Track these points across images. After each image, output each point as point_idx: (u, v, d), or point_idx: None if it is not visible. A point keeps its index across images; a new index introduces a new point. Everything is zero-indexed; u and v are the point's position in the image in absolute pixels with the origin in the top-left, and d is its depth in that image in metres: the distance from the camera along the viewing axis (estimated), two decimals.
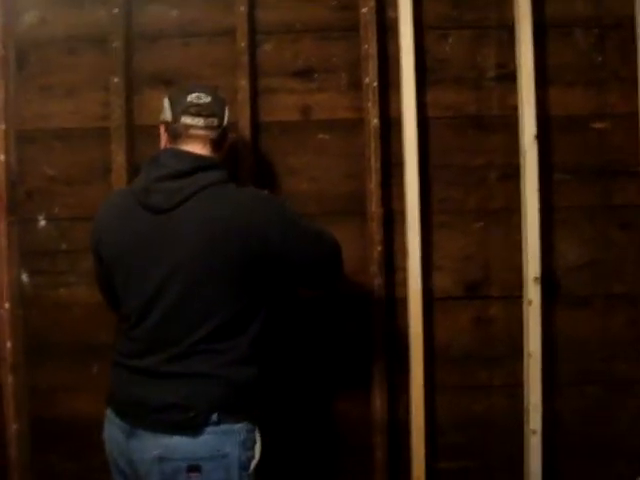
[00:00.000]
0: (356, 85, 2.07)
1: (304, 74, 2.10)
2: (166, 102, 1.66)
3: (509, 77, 2.07)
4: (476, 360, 2.12)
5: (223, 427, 1.53)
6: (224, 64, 2.09)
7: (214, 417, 1.52)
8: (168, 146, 1.64)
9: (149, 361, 1.56)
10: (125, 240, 1.59)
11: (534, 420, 2.05)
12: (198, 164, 1.57)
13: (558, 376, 2.12)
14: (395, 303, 2.08)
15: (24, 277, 2.18)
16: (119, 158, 2.07)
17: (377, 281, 2.04)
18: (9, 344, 2.12)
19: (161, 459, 1.51)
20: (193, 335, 1.53)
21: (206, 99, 1.63)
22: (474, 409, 2.12)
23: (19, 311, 2.14)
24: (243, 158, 2.05)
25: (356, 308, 2.09)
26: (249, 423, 1.58)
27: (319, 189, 2.10)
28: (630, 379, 2.11)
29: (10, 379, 2.11)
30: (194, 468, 1.50)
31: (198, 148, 1.61)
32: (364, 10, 2.04)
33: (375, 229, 2.04)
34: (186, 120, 1.61)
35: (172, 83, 2.10)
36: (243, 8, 2.04)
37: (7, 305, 2.12)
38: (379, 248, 2.04)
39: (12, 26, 2.15)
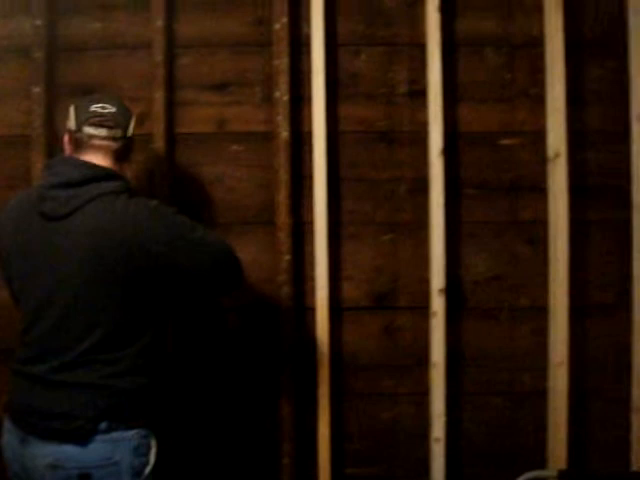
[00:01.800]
0: (269, 99, 2.23)
1: (220, 87, 2.27)
2: (71, 110, 1.76)
3: (420, 93, 2.24)
4: (384, 369, 2.28)
5: (113, 435, 1.64)
6: (143, 76, 2.26)
7: (102, 426, 1.63)
8: (70, 154, 1.75)
9: (40, 368, 1.67)
10: (19, 245, 1.72)
11: (438, 428, 2.22)
12: (92, 174, 1.69)
13: (463, 386, 2.27)
14: (304, 312, 2.24)
15: None
16: (39, 165, 2.24)
17: (285, 290, 2.21)
18: None
19: (53, 467, 1.62)
20: (80, 345, 1.64)
21: (110, 109, 1.74)
22: (381, 417, 2.28)
23: None
24: (159, 169, 2.22)
25: (265, 316, 2.25)
26: (142, 430, 1.69)
27: (233, 199, 2.26)
28: (533, 391, 2.27)
29: None
30: (85, 476, 1.61)
31: (99, 158, 1.72)
32: (277, 26, 2.20)
33: (284, 239, 2.20)
34: (89, 130, 1.72)
35: (93, 93, 2.27)
36: (160, 22, 2.22)
37: None
38: (287, 257, 2.20)
39: None
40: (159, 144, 2.21)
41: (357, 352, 2.27)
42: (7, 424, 1.74)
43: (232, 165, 2.25)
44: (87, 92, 2.24)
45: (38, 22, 2.26)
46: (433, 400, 2.21)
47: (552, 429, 2.22)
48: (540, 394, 2.25)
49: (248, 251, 2.20)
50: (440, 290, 2.19)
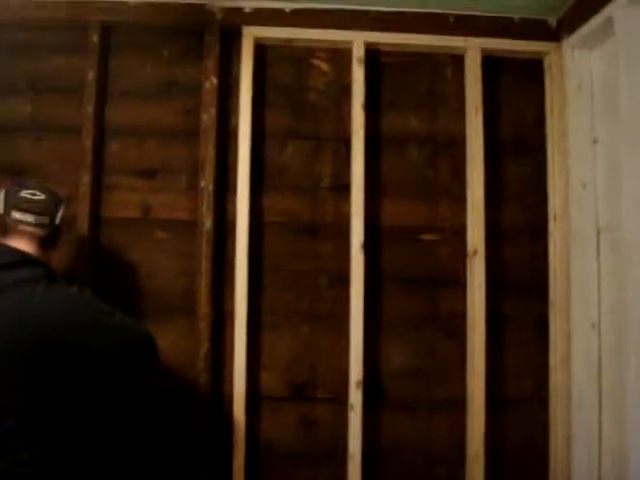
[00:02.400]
0: (195, 187, 2.31)
1: (147, 174, 2.34)
2: (1, 195, 1.83)
3: (343, 187, 2.33)
4: (301, 459, 2.31)
5: None
6: (72, 160, 2.32)
7: None
8: None
9: None
10: None
11: None
12: (14, 259, 1.73)
13: (381, 478, 2.32)
14: (222, 400, 2.28)
15: None
16: None
17: (204, 377, 2.24)
18: None
19: None
20: None
21: (40, 196, 1.81)
22: None
23: None
24: (83, 251, 2.28)
25: (184, 402, 2.28)
26: None
27: (155, 286, 2.31)
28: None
29: None
30: None
31: (23, 244, 1.78)
32: (205, 116, 2.30)
33: (204, 327, 2.25)
34: (16, 215, 1.78)
35: (23, 175, 2.32)
36: (91, 108, 2.30)
37: None
38: (206, 345, 2.25)
39: None
40: (83, 227, 2.27)
41: (274, 441, 2.31)
42: None
43: (156, 251, 2.31)
44: (16, 173, 2.30)
45: None
46: None
47: None
48: None
49: (168, 337, 2.25)
50: (358, 382, 2.25)
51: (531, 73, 2.43)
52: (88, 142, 2.29)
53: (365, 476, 2.25)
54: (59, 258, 2.11)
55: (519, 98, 2.42)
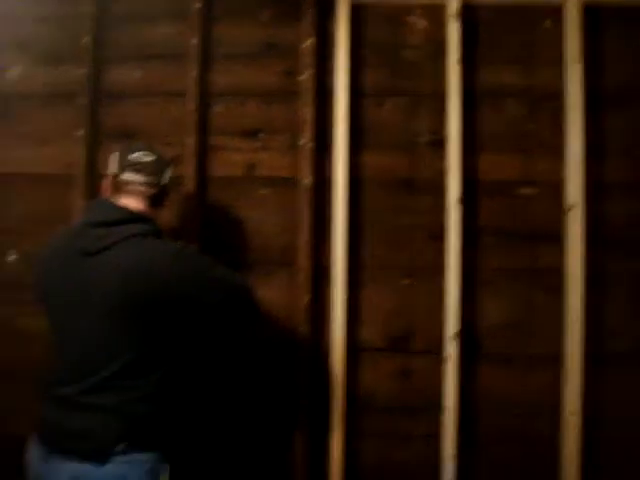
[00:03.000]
0: (295, 146, 2.44)
1: (249, 134, 2.49)
2: (114, 157, 2.02)
3: (440, 142, 2.41)
4: (398, 410, 2.43)
5: (129, 457, 1.84)
6: (179, 122, 2.49)
7: (119, 448, 1.83)
8: (109, 197, 1.99)
9: (67, 390, 1.89)
10: (56, 276, 1.95)
11: (448, 472, 2.36)
12: (124, 216, 1.92)
13: (476, 431, 2.41)
14: (322, 351, 2.42)
15: None
16: (79, 203, 2.50)
17: (303, 329, 2.39)
18: None
19: None
20: (103, 371, 1.85)
21: (148, 158, 1.99)
22: (394, 457, 2.43)
23: None
24: (189, 209, 2.45)
25: (284, 354, 2.43)
26: (156, 453, 1.89)
27: (258, 240, 2.46)
28: (547, 437, 2.38)
29: None
30: None
31: (133, 202, 1.97)
32: (304, 77, 2.41)
33: (303, 281, 2.39)
34: (127, 176, 1.97)
35: (133, 137, 2.52)
36: (194, 73, 2.45)
37: None
38: (306, 298, 2.38)
39: None
40: (190, 186, 2.44)
41: (372, 393, 2.42)
42: (35, 442, 1.95)
43: (258, 208, 2.46)
44: (126, 136, 2.50)
45: (83, 70, 2.52)
46: (444, 443, 2.35)
47: (564, 477, 2.33)
48: (552, 442, 2.36)
49: (270, 290, 2.40)
50: (454, 335, 2.34)
51: (636, 22, 2.41)
52: (193, 105, 2.45)
53: (460, 427, 2.33)
54: (168, 216, 2.29)
55: (622, 49, 2.41)
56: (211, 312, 1.97)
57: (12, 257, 2.62)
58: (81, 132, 2.52)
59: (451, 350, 2.33)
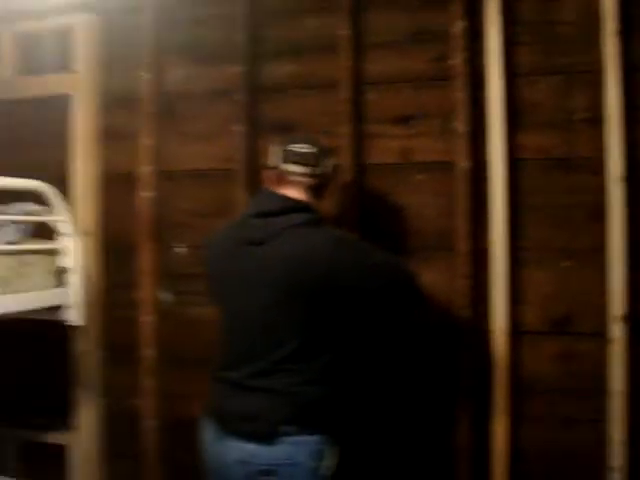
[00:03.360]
0: (449, 130, 2.51)
1: (403, 120, 2.59)
2: (275, 149, 2.14)
3: (599, 119, 2.41)
4: (561, 394, 2.42)
5: (296, 438, 1.97)
6: (334, 112, 2.61)
7: (287, 429, 1.96)
8: (272, 188, 2.12)
9: (235, 374, 2.05)
10: (223, 265, 2.11)
11: (617, 458, 2.37)
12: (287, 206, 2.05)
13: None
14: (483, 335, 2.47)
15: (164, 296, 2.89)
16: (241, 196, 2.68)
17: (465, 313, 2.45)
18: (148, 352, 2.82)
19: (241, 462, 1.97)
20: (271, 355, 1.99)
21: (309, 149, 2.09)
22: (559, 442, 2.46)
23: (158, 324, 2.84)
24: (348, 197, 2.59)
25: (444, 337, 2.50)
26: (323, 436, 2.01)
27: (416, 226, 2.53)
28: None
29: (148, 382, 2.82)
30: (268, 472, 1.95)
31: (295, 192, 2.08)
32: (456, 61, 2.48)
33: (463, 264, 2.45)
34: (288, 167, 2.09)
35: (290, 130, 2.65)
36: (347, 63, 2.58)
37: (148, 319, 2.82)
38: (466, 282, 2.46)
39: (160, 83, 2.87)
40: (347, 174, 2.56)
41: (534, 376, 2.44)
42: (206, 423, 2.12)
43: (415, 194, 2.54)
44: (284, 129, 2.64)
45: (240, 67, 2.71)
46: (612, 428, 2.35)
47: None
48: None
49: (429, 275, 2.47)
50: (619, 317, 2.34)
51: None
52: (347, 94, 2.57)
53: (630, 411, 2.32)
54: (328, 205, 2.44)
55: None
56: (374, 298, 2.06)
57: (181, 249, 2.86)
58: (240, 127, 2.70)
59: (617, 332, 2.34)
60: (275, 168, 2.11)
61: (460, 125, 2.43)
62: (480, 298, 2.45)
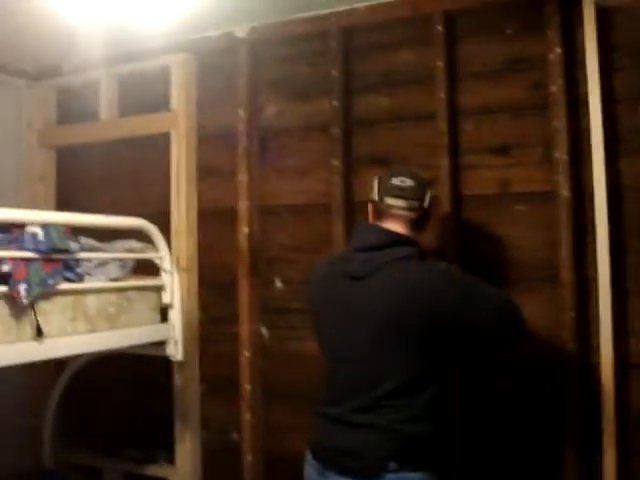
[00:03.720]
0: (549, 158, 2.47)
1: (501, 150, 2.57)
2: (375, 183, 2.15)
3: None
4: None
5: (400, 475, 1.94)
6: (428, 144, 2.62)
7: (391, 466, 1.94)
8: (373, 222, 2.14)
9: (339, 410, 2.04)
10: (326, 299, 2.13)
11: None
12: (390, 240, 2.05)
13: None
14: (588, 368, 2.40)
15: (263, 330, 2.93)
16: (338, 229, 2.71)
17: (569, 346, 2.39)
18: (247, 386, 2.85)
19: None
20: (375, 391, 1.98)
21: (409, 183, 2.09)
22: None
23: (257, 359, 2.88)
24: (447, 229, 2.57)
25: (549, 371, 2.45)
26: (427, 472, 1.98)
27: (516, 257, 2.51)
28: None
29: (247, 417, 2.85)
30: None
31: (397, 226, 2.08)
32: (553, 88, 2.44)
33: (567, 295, 2.40)
34: (389, 201, 2.09)
35: (384, 163, 2.68)
36: (442, 94, 2.58)
37: (247, 354, 2.86)
38: (571, 314, 2.39)
39: (255, 120, 2.94)
40: (445, 206, 2.55)
41: None
42: (309, 458, 2.12)
43: (515, 224, 2.50)
44: (378, 161, 2.68)
45: (335, 102, 2.75)
46: None
47: None
48: None
49: (531, 307, 2.40)
50: None
51: None
52: (443, 126, 2.57)
53: None
54: (428, 237, 2.44)
55: None
56: (480, 330, 2.02)
57: (278, 284, 2.90)
58: (336, 161, 2.73)
59: None
60: (376, 202, 2.12)
61: (560, 153, 2.39)
62: (585, 329, 2.39)
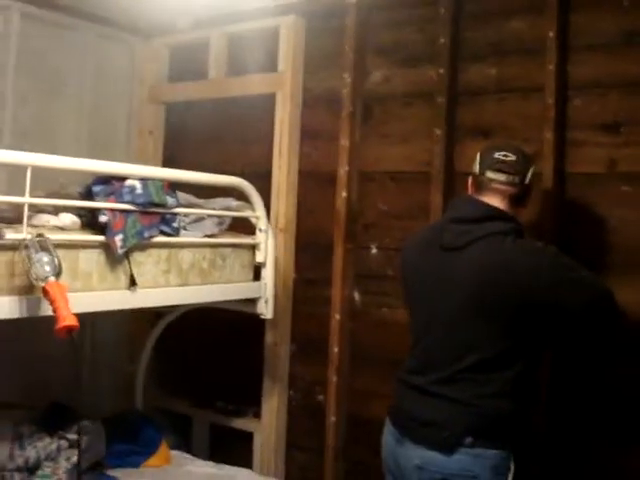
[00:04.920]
0: None
1: (611, 128, 2.47)
2: (477, 156, 2.13)
3: None
4: None
5: (476, 451, 1.94)
6: (534, 117, 2.55)
7: (467, 440, 1.94)
8: (472, 195, 2.12)
9: (420, 379, 2.05)
10: (418, 269, 2.14)
11: None
12: (487, 214, 2.03)
13: None
14: None
15: (355, 295, 2.96)
16: (437, 199, 2.68)
17: None
18: (336, 349, 2.89)
19: (419, 468, 1.98)
20: (458, 363, 1.98)
21: (511, 157, 2.06)
22: None
23: (347, 323, 2.92)
24: (548, 207, 2.50)
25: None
26: (504, 451, 1.97)
27: (619, 239, 2.42)
28: None
29: (334, 379, 2.90)
30: None
31: (496, 200, 2.06)
32: None
33: None
34: (490, 174, 2.07)
35: (488, 135, 2.64)
36: (552, 66, 2.49)
37: (337, 317, 2.90)
38: None
39: (360, 85, 2.94)
40: (548, 183, 2.48)
41: None
42: (388, 425, 2.15)
43: (621, 206, 2.41)
44: (482, 133, 2.64)
45: (441, 70, 2.71)
46: None
47: None
48: None
49: (632, 294, 2.36)
50: None
51: None
52: (551, 99, 2.49)
53: None
54: (527, 214, 2.40)
55: None
56: (571, 314, 2.00)
57: (373, 250, 2.92)
58: (439, 131, 2.71)
59: None
60: (476, 175, 2.10)
61: None
62: None
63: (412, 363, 2.13)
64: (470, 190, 2.14)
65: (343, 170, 2.91)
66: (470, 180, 2.14)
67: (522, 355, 2.00)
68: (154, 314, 3.26)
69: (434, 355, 2.05)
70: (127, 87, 3.58)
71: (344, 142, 2.92)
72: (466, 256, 2.00)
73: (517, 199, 2.08)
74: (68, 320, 1.86)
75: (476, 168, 2.10)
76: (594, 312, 2.01)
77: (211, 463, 3.03)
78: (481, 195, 2.08)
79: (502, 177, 2.05)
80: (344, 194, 2.90)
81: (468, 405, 1.96)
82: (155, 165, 3.43)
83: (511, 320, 1.96)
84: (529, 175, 2.08)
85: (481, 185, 2.09)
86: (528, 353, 2.02)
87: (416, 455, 2.00)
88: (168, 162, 3.49)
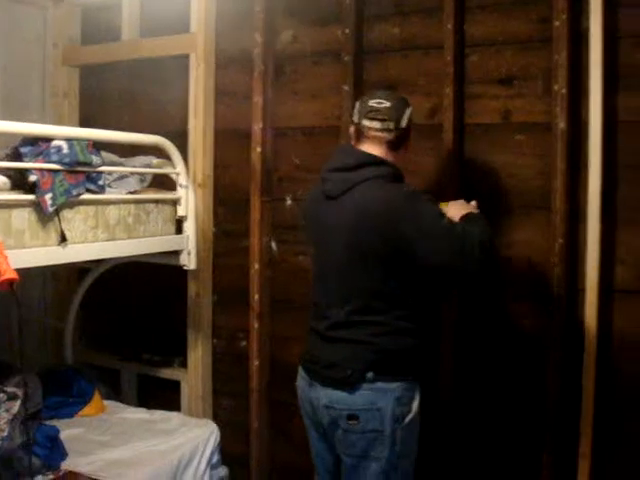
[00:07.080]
0: (550, 91, 2.51)
1: (505, 82, 2.63)
2: (356, 105, 2.19)
3: None
4: None
5: (378, 385, 2.06)
6: (435, 73, 2.69)
7: (369, 376, 2.05)
8: (354, 144, 2.17)
9: (320, 325, 2.16)
10: (312, 218, 2.24)
11: None
12: (361, 161, 2.09)
13: None
14: (576, 293, 2.51)
15: (272, 245, 3.06)
16: None
17: (557, 271, 2.50)
18: (256, 297, 3.02)
19: (328, 407, 2.11)
20: (347, 307, 2.08)
21: (385, 104, 2.11)
22: None
23: (266, 271, 3.04)
24: (448, 156, 2.67)
25: (538, 294, 2.58)
26: (405, 382, 2.09)
27: (513, 185, 2.60)
28: None
29: (256, 325, 3.03)
30: (353, 417, 2.07)
31: (374, 148, 2.11)
32: (557, 23, 2.47)
33: (558, 223, 2.48)
34: (365, 122, 2.12)
35: (393, 90, 2.77)
36: (450, 26, 2.62)
37: (257, 266, 3.02)
38: (560, 241, 2.48)
39: (271, 44, 3.02)
40: (448, 134, 2.64)
41: (626, 334, 2.46)
42: (300, 370, 2.27)
43: (514, 153, 2.59)
44: (388, 89, 2.72)
45: (347, 30, 2.82)
46: None
47: None
48: None
49: (526, 232, 2.55)
50: None
51: None
52: (449, 56, 2.63)
53: None
54: (428, 162, 2.54)
55: None
56: (433, 263, 2.04)
57: (288, 202, 3.02)
58: (347, 87, 2.82)
59: None
60: (356, 124, 2.16)
61: (560, 86, 2.46)
62: (574, 257, 2.50)
63: (314, 309, 2.23)
64: (353, 140, 2.18)
65: (257, 127, 3.00)
66: (352, 129, 2.19)
67: (409, 294, 2.11)
68: (81, 270, 3.30)
69: (329, 301, 2.14)
70: (40, 50, 3.53)
71: (257, 100, 3.00)
72: (345, 203, 2.08)
73: (394, 144, 2.12)
74: (8, 273, 1.93)
75: (355, 117, 2.16)
76: (455, 262, 2.02)
77: (144, 409, 3.13)
78: (360, 143, 2.14)
79: (377, 124, 2.10)
80: (259, 150, 3.00)
81: (366, 343, 2.07)
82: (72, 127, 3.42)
83: (388, 262, 2.04)
84: (404, 119, 2.11)
85: (360, 134, 2.14)
86: (415, 292, 2.12)
87: (324, 395, 2.12)
88: (84, 124, 3.49)
